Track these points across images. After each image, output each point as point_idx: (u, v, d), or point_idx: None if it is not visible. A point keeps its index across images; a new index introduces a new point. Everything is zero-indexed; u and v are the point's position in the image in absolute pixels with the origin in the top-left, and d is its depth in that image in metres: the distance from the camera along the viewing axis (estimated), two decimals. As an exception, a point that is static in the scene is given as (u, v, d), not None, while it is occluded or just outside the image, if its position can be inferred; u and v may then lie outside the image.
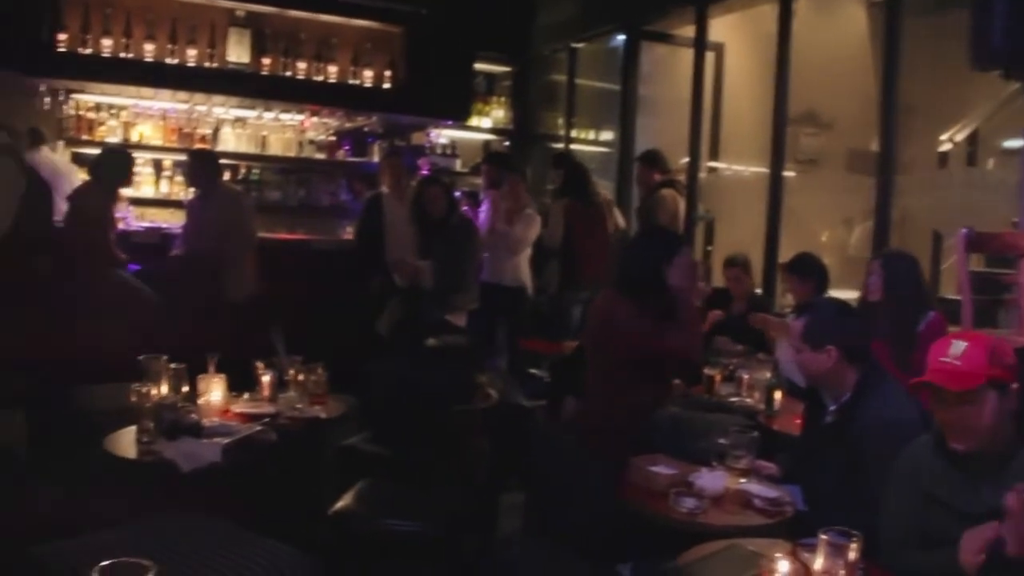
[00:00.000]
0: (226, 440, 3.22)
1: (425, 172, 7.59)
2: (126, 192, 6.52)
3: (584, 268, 6.47)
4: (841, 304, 3.21)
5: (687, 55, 6.97)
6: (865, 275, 4.14)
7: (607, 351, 3.93)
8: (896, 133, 5.27)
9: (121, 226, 6.21)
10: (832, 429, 2.98)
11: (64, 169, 6.63)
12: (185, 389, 3.63)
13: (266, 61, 7.08)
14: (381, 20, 7.45)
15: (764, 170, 6.16)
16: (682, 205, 6.59)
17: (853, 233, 7.11)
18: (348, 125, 8.01)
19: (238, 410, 3.68)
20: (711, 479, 2.95)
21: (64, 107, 6.99)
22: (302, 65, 7.20)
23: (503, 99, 9.04)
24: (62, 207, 5.82)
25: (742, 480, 3.00)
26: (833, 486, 2.85)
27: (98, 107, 7.18)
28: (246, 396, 3.85)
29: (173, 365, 3.63)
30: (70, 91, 6.95)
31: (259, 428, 3.45)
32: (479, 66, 8.46)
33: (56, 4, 6.45)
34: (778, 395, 3.92)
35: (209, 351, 3.79)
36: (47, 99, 6.81)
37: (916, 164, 6.09)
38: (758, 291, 5.58)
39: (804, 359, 3.03)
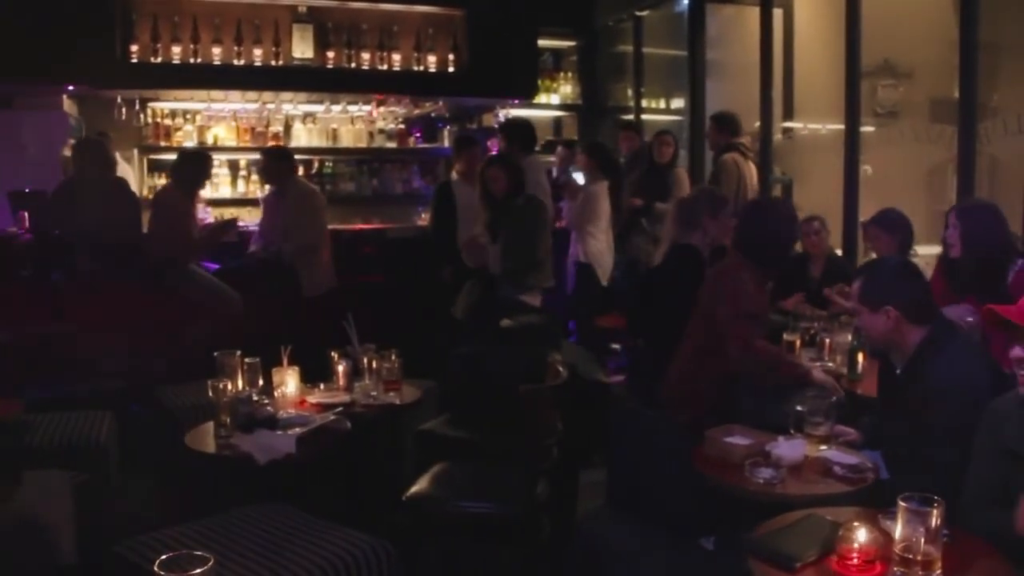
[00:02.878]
0: (300, 431, 3.26)
1: (494, 153, 7.55)
2: (204, 193, 6.63)
3: None
4: (900, 262, 3.08)
5: (755, 14, 6.76)
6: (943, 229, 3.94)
7: (715, 316, 3.88)
8: (981, 76, 5.00)
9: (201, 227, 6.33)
10: (901, 390, 2.86)
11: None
12: (261, 383, 3.69)
13: (330, 54, 7.15)
14: (442, 4, 7.46)
15: (841, 127, 5.94)
16: (750, 169, 6.34)
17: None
18: (416, 112, 8.05)
19: (313, 400, 3.73)
20: (789, 448, 2.85)
21: (141, 116, 7.20)
22: (366, 56, 7.25)
23: (570, 74, 8.95)
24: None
25: (822, 447, 2.90)
26: (908, 449, 2.73)
27: (173, 114, 7.37)
28: (322, 386, 3.89)
29: (247, 360, 3.69)
30: (145, 100, 7.15)
31: (333, 417, 3.48)
32: (544, 42, 8.38)
33: (127, 17, 6.61)
34: (861, 358, 3.78)
35: (286, 343, 3.85)
36: (123, 109, 7.00)
37: (1006, 108, 5.77)
38: (837, 251, 5.40)
39: (864, 322, 2.92)
